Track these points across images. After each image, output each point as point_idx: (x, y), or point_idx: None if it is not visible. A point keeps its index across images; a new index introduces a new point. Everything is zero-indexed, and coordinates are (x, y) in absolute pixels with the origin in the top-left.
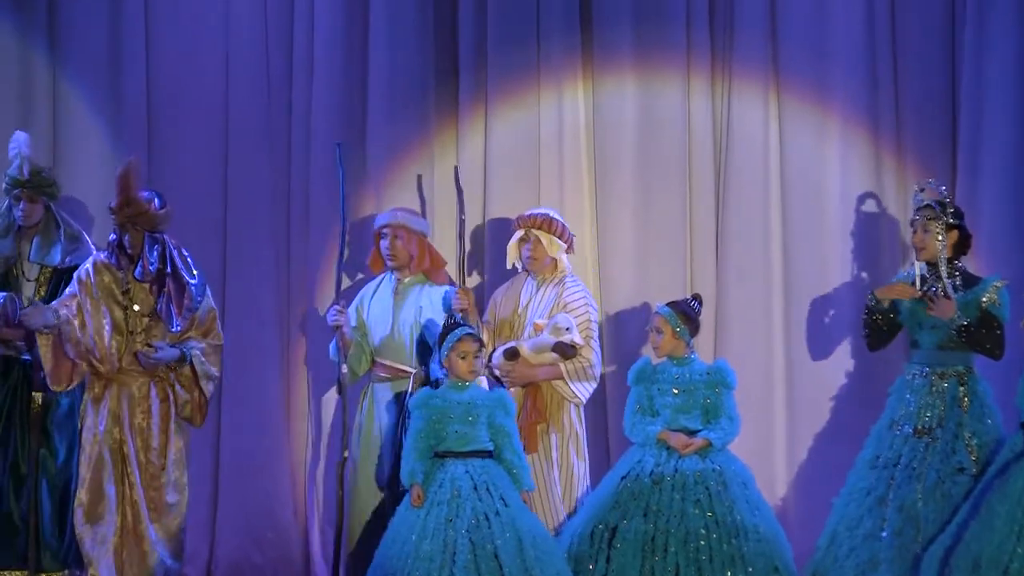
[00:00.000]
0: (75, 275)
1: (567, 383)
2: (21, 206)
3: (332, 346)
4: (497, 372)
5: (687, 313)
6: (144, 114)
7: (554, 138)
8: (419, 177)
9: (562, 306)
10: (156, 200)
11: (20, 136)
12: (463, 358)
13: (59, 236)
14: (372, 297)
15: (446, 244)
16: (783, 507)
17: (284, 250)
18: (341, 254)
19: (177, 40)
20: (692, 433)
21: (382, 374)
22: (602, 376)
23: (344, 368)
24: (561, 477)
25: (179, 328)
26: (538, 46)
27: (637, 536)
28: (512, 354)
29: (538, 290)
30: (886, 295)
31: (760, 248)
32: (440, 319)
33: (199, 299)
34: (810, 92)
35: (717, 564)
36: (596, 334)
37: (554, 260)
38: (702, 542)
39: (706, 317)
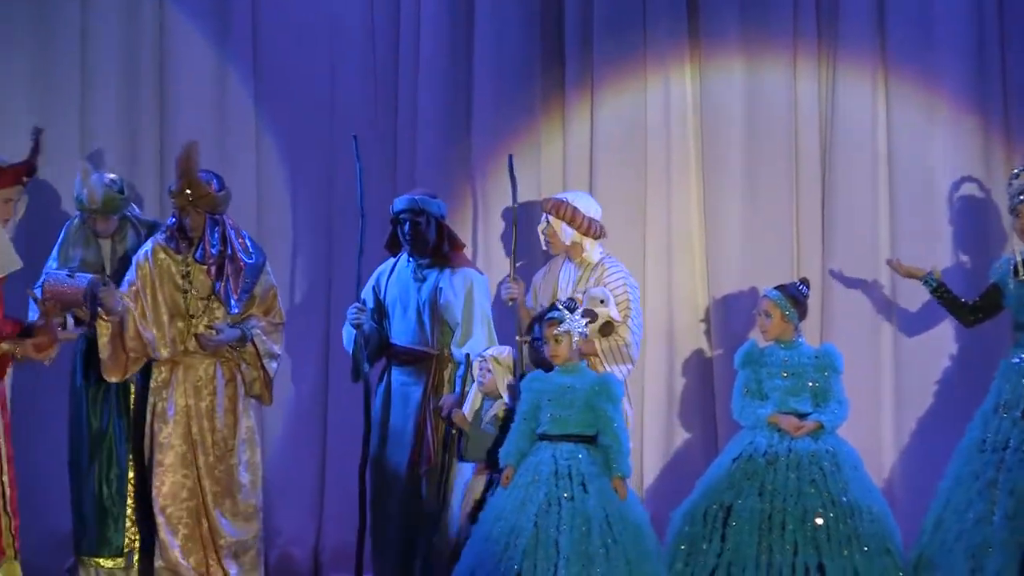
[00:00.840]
0: (133, 260)
1: (602, 363)
2: (96, 223)
3: (347, 338)
4: (518, 340)
5: (796, 297)
6: (251, 111)
7: (661, 123)
8: (510, 157)
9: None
10: (215, 182)
11: (83, 172)
12: (546, 341)
13: (140, 235)
14: (389, 278)
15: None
16: (887, 490)
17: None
18: (360, 250)
19: (284, 37)
20: (802, 416)
21: (403, 357)
22: (709, 359)
23: (367, 367)
24: None
25: (237, 310)
26: (644, 31)
27: (753, 515)
28: (533, 324)
29: (577, 274)
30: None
31: (867, 232)
32: (460, 302)
33: (252, 280)
34: (917, 78)
35: (835, 543)
36: (638, 316)
37: (577, 244)
38: (819, 520)
39: (812, 300)
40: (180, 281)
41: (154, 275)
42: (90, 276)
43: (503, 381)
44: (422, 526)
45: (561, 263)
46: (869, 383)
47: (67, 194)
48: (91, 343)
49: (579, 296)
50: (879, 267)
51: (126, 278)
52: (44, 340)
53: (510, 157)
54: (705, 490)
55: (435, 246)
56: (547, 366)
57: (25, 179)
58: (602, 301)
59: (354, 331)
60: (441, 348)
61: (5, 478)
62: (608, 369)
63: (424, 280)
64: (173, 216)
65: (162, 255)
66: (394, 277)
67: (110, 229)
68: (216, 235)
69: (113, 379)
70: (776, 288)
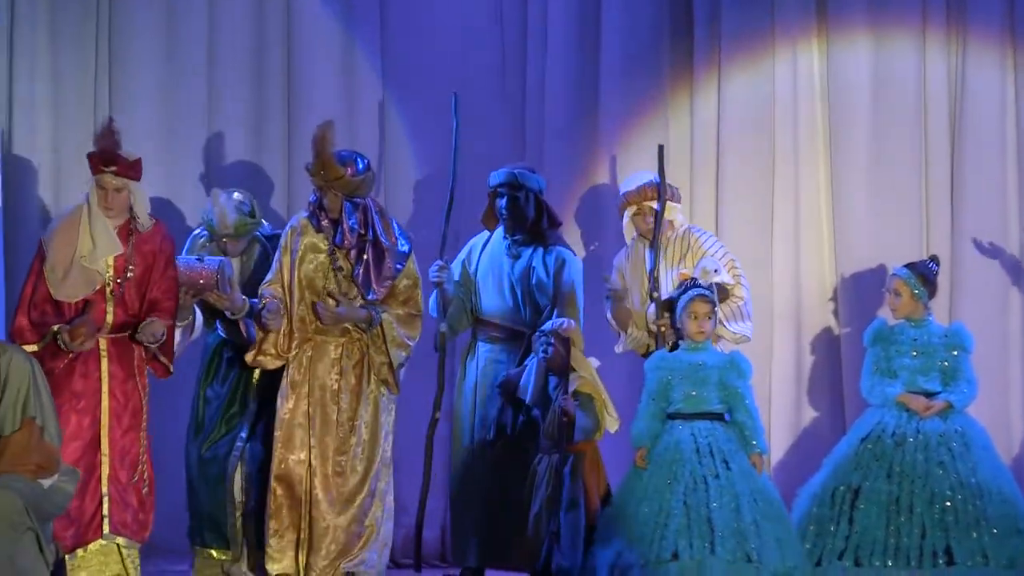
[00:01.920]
0: (279, 244)
1: (726, 326)
2: (227, 243)
3: (432, 301)
4: (652, 327)
5: (926, 275)
6: (379, 92)
7: (788, 98)
8: (660, 148)
9: (699, 254)
10: (358, 163)
11: (213, 196)
12: (694, 318)
13: (268, 252)
14: (481, 253)
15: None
16: (1016, 469)
17: None
18: (448, 209)
19: (414, 17)
20: (931, 395)
21: (493, 333)
22: (837, 337)
23: (443, 326)
24: None
25: (375, 297)
26: (772, 5)
27: (881, 497)
28: (669, 306)
29: (662, 249)
30: None
31: (996, 208)
32: (551, 282)
33: (399, 267)
34: None
35: (963, 526)
36: (742, 272)
37: (670, 221)
38: (948, 503)
39: (941, 278)
40: (322, 259)
41: (295, 253)
42: (220, 258)
43: (578, 355)
44: (506, 508)
45: (640, 244)
46: (998, 361)
47: (197, 182)
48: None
49: (684, 271)
50: (1008, 243)
51: (272, 268)
52: (81, 329)
53: (660, 148)
54: (833, 470)
55: (533, 222)
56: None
57: (134, 174)
58: (715, 271)
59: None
60: (532, 327)
61: (143, 465)
62: (732, 330)
63: (518, 257)
64: (313, 194)
65: (306, 231)
66: (487, 251)
67: (239, 248)
68: (355, 219)
69: (271, 366)
70: (906, 266)
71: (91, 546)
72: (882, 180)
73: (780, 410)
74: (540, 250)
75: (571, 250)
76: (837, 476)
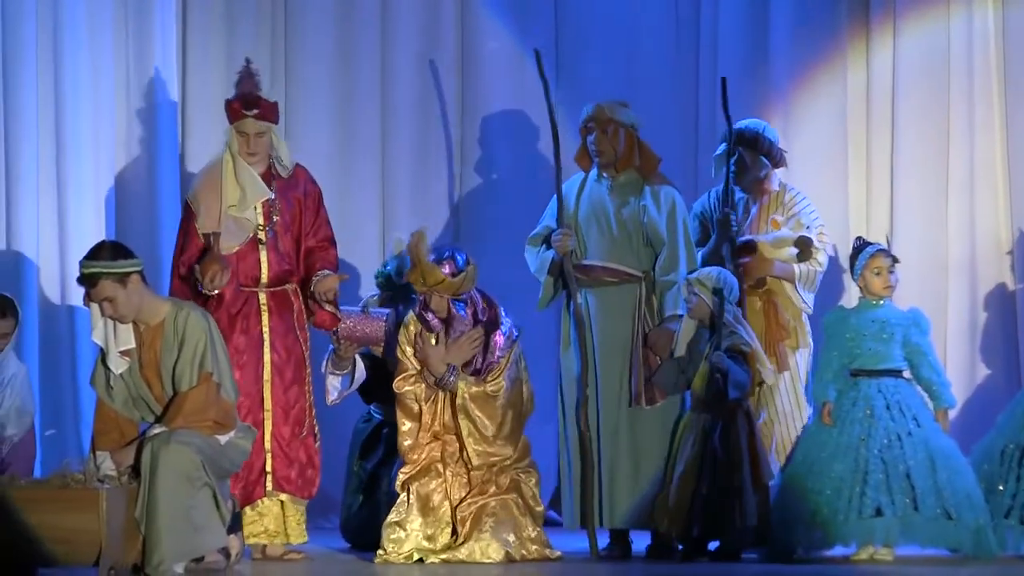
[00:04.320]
0: (398, 340)
1: (796, 288)
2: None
3: (534, 262)
4: (729, 266)
5: None
6: (553, 52)
7: (963, 50)
8: (723, 80)
9: (792, 213)
10: (457, 260)
11: (395, 244)
12: (877, 274)
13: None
14: (579, 196)
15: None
16: None
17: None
18: (558, 171)
19: None
20: None
21: (606, 278)
22: (1012, 293)
23: (579, 297)
24: (794, 398)
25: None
26: None
27: None
28: (749, 248)
29: (754, 204)
30: None
31: None
32: (663, 221)
33: (502, 353)
34: None
35: None
36: (829, 242)
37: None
38: None
39: None
40: None
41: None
42: (386, 311)
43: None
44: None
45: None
46: None
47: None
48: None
49: (780, 219)
50: None
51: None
52: (211, 265)
53: (723, 80)
54: (1002, 428)
55: (624, 157)
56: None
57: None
58: (807, 228)
59: (540, 254)
60: (645, 271)
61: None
62: (801, 295)
63: (623, 196)
64: (419, 294)
65: (415, 330)
66: (586, 193)
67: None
68: (465, 313)
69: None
70: None
71: (263, 501)
72: None
73: (954, 366)
74: (646, 188)
75: (676, 188)
76: (1005, 434)
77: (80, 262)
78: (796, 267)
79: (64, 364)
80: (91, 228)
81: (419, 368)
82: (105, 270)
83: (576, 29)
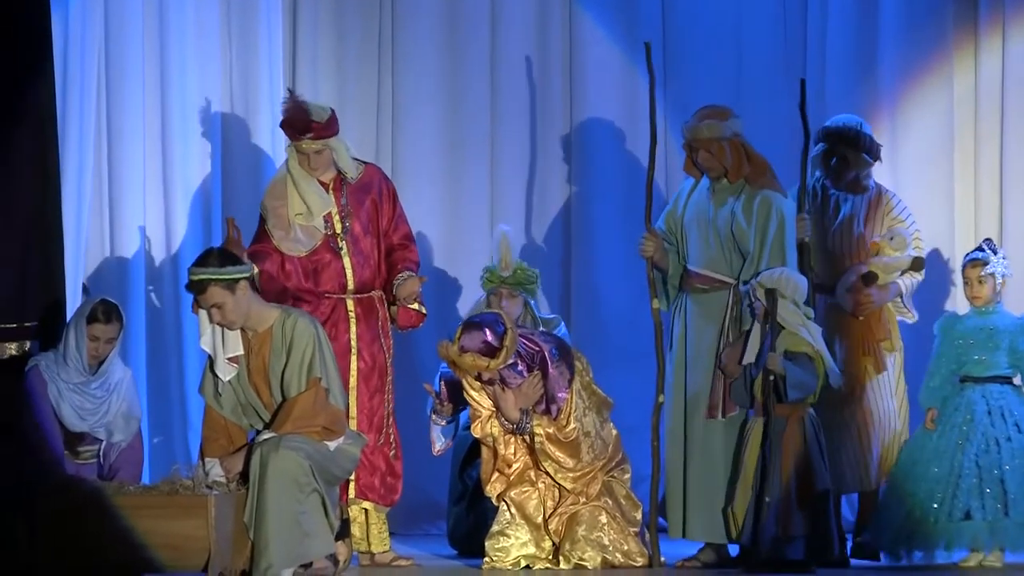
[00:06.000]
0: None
1: (904, 302)
2: (503, 303)
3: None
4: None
5: None
6: (660, 52)
7: None
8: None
9: (890, 220)
10: (489, 340)
11: (502, 238)
12: (967, 284)
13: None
14: (687, 199)
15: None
16: None
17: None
18: (650, 171)
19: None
20: None
21: (698, 284)
22: None
23: (655, 301)
24: (896, 398)
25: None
26: None
27: None
28: (871, 278)
29: (844, 204)
30: None
31: None
32: (753, 227)
33: (564, 394)
34: None
35: None
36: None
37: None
38: None
39: None
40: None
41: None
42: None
43: (788, 307)
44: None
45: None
46: None
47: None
48: None
49: (880, 241)
50: None
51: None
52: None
53: (802, 82)
54: None
55: (734, 169)
56: None
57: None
58: (905, 236)
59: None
60: (737, 278)
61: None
62: (910, 306)
63: (723, 203)
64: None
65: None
66: (693, 196)
67: (516, 311)
68: (519, 366)
69: None
70: None
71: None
72: None
73: None
74: (743, 194)
75: (782, 192)
76: None
77: (189, 269)
78: (900, 281)
79: (172, 371)
80: (197, 234)
81: (492, 410)
82: (214, 276)
83: (682, 30)
